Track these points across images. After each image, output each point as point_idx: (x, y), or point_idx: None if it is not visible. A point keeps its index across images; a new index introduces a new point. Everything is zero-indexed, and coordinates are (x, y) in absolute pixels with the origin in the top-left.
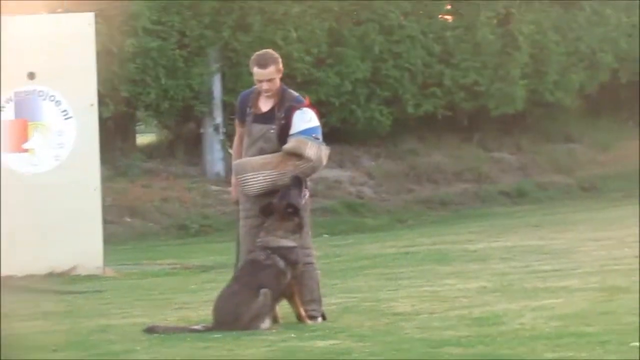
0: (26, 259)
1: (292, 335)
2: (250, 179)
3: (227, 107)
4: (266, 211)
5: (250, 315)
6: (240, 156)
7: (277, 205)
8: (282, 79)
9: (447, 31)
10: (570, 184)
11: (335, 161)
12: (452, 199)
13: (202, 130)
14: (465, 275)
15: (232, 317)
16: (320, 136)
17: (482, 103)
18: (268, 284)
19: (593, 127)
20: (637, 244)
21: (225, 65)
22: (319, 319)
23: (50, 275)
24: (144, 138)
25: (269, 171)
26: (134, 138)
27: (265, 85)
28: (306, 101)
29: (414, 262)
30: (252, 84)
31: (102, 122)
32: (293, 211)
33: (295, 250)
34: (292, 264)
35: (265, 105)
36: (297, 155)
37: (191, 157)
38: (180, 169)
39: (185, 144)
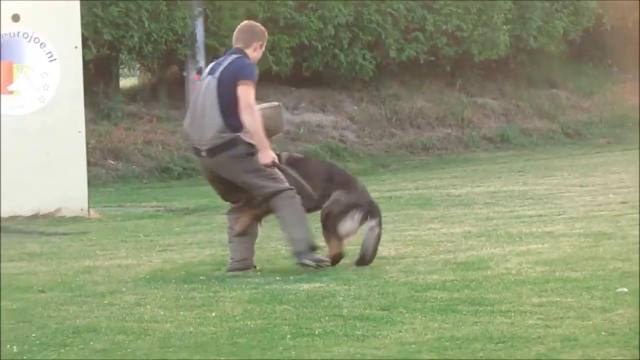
0: (11, 201)
1: (277, 278)
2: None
3: (210, 50)
4: None
5: None
6: None
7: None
8: (265, 24)
9: None
10: (554, 129)
11: (317, 105)
12: (434, 143)
13: (185, 74)
14: (449, 219)
15: None
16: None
17: (465, 48)
18: None
19: (577, 73)
20: (622, 190)
21: (208, 9)
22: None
23: (35, 216)
24: (127, 81)
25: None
26: (117, 81)
27: None
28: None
29: (397, 207)
30: (234, 27)
31: (85, 65)
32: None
33: None
34: None
35: None
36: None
37: (174, 100)
38: (164, 112)
39: (168, 87)
